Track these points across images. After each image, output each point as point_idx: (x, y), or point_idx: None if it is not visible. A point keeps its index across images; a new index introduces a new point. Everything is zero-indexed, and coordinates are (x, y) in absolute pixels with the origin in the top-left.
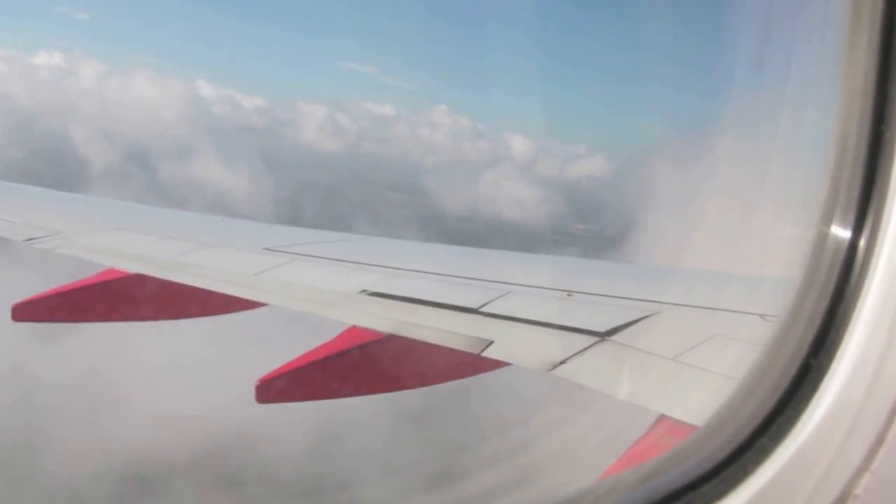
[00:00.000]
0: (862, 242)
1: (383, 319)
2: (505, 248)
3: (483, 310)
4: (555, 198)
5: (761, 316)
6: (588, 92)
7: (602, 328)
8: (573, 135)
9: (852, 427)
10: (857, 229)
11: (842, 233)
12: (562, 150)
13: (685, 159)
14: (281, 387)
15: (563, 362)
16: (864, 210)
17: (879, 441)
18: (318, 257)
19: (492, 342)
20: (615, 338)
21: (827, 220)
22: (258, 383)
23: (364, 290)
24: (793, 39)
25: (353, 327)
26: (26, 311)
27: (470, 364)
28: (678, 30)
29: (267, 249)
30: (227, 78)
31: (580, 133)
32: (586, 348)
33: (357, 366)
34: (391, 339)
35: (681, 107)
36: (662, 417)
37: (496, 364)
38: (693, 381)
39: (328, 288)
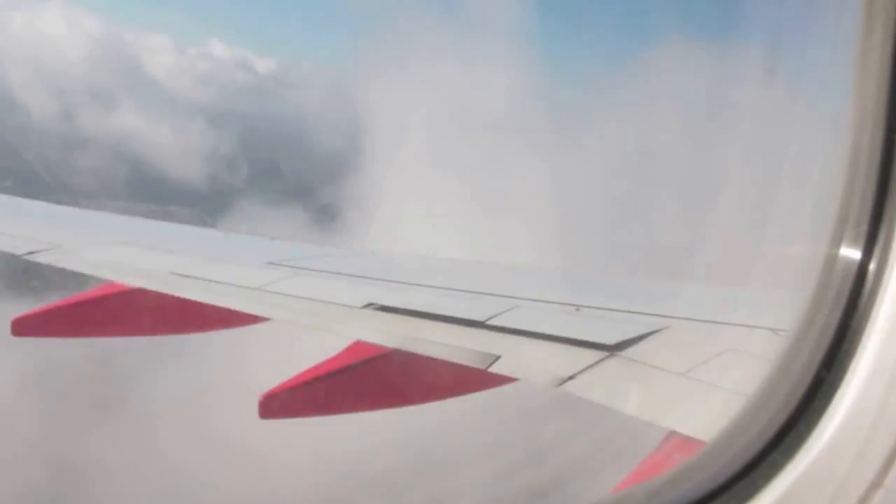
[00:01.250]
0: (875, 252)
1: (388, 334)
2: None
3: (490, 323)
4: None
5: (772, 330)
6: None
7: (611, 343)
8: None
9: (865, 441)
10: (871, 240)
11: (854, 243)
12: None
13: (689, 167)
14: (285, 402)
15: (571, 377)
16: (877, 221)
17: (892, 456)
18: (322, 271)
19: (499, 357)
20: (624, 353)
21: (839, 230)
22: (262, 398)
23: (369, 304)
24: (804, 47)
25: (358, 342)
26: (26, 326)
27: (477, 379)
28: (690, 35)
29: (270, 263)
30: (240, 37)
31: None
32: (595, 363)
33: (362, 381)
34: (396, 353)
35: (689, 113)
36: (672, 433)
37: (503, 379)
38: (703, 397)
39: (332, 302)
